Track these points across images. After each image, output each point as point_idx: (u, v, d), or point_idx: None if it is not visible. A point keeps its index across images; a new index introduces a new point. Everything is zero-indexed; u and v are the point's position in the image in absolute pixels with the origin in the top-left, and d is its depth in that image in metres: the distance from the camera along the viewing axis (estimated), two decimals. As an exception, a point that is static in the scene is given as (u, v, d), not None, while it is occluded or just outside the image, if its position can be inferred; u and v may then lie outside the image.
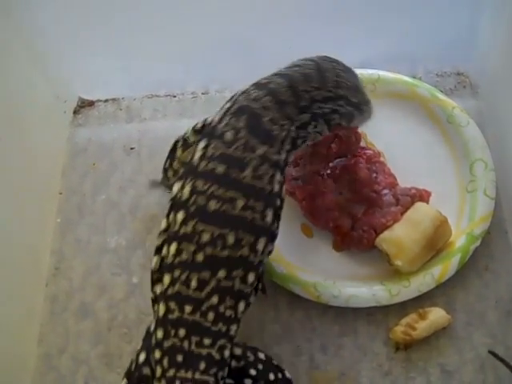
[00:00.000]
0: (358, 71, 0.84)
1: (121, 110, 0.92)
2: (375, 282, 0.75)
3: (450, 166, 0.81)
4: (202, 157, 0.63)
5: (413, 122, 0.84)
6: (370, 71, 0.86)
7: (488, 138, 0.82)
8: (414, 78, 0.89)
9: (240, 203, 0.61)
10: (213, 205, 0.61)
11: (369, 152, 0.80)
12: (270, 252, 0.65)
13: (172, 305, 0.61)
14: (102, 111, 0.93)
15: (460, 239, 0.75)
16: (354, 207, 0.77)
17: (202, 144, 0.64)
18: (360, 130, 0.84)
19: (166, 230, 0.63)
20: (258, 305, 0.76)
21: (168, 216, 0.63)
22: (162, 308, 0.61)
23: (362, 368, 0.73)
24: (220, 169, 0.61)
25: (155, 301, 0.63)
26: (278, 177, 0.63)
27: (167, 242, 0.62)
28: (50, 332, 0.78)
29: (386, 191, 0.78)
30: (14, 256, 0.77)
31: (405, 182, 0.80)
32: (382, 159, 0.81)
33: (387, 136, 0.83)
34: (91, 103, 0.93)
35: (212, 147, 0.63)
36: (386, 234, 0.74)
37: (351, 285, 0.75)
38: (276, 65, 0.91)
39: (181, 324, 0.60)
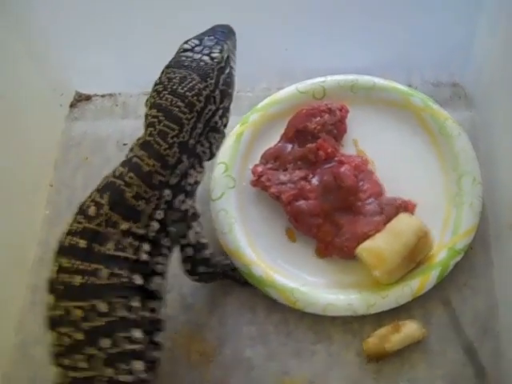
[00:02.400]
0: (353, 77, 0.85)
1: (117, 105, 0.93)
2: (353, 291, 0.74)
3: (438, 178, 0.80)
4: (68, 233, 0.63)
5: (405, 131, 0.84)
6: (366, 78, 0.86)
7: (479, 151, 0.81)
8: (409, 86, 0.88)
9: (105, 273, 0.61)
10: (78, 279, 0.61)
11: (357, 160, 0.80)
12: (154, 309, 0.65)
13: None
14: (98, 106, 0.94)
15: (441, 253, 0.74)
16: (338, 214, 0.77)
17: (70, 221, 0.64)
18: (352, 137, 0.84)
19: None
20: (235, 306, 0.78)
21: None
22: None
23: (332, 377, 0.73)
24: (82, 243, 0.62)
25: None
26: (146, 247, 0.64)
27: (50, 329, 0.62)
28: (28, 321, 0.79)
29: (371, 200, 0.77)
30: (1, 244, 0.78)
31: (392, 191, 0.79)
32: (370, 167, 0.81)
33: (379, 144, 0.83)
34: (88, 97, 0.94)
35: (76, 222, 0.63)
36: (366, 244, 0.74)
37: (329, 292, 0.74)
38: (272, 65, 0.92)
39: None
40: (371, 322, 0.74)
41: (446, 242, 0.75)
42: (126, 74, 0.94)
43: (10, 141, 0.82)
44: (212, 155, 0.70)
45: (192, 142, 0.66)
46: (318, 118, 0.82)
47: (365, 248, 0.73)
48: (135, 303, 0.62)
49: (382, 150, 0.83)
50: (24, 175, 0.84)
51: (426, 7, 0.88)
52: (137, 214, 0.64)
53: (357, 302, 0.73)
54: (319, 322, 0.75)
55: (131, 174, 0.64)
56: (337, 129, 0.82)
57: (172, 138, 0.65)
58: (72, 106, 0.94)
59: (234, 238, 0.78)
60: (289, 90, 0.86)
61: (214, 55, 0.67)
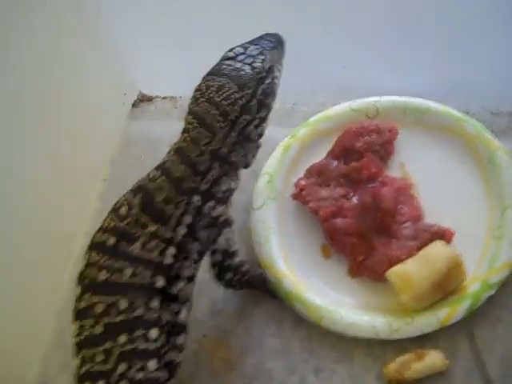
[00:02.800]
0: (407, 99, 0.85)
1: (176, 108, 0.96)
2: (378, 314, 0.74)
3: (482, 209, 0.78)
4: (100, 229, 0.66)
5: (454, 157, 0.82)
6: (420, 100, 0.85)
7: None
8: (467, 113, 0.86)
9: (128, 271, 0.63)
10: (103, 275, 0.63)
11: (400, 183, 0.79)
12: (177, 312, 0.67)
13: None
14: (158, 107, 0.97)
15: (474, 285, 0.72)
16: (373, 236, 0.77)
17: (105, 217, 0.67)
18: (399, 159, 0.83)
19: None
20: (263, 317, 0.78)
21: None
22: None
23: (349, 398, 0.72)
24: (111, 240, 0.64)
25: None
26: (172, 251, 0.66)
27: (74, 320, 0.65)
28: (68, 310, 0.82)
29: (408, 224, 0.76)
30: (51, 231, 0.82)
31: (433, 217, 0.78)
32: (413, 192, 0.80)
33: (425, 169, 0.82)
34: (150, 98, 0.98)
35: (108, 219, 0.66)
36: (397, 268, 0.73)
37: (354, 312, 0.74)
38: (331, 82, 0.92)
39: None
40: (394, 348, 0.73)
41: (481, 275, 0.73)
42: (189, 77, 0.95)
43: (72, 134, 0.86)
44: (247, 164, 0.71)
45: (224, 150, 0.67)
46: (366, 138, 0.82)
47: (394, 271, 0.72)
48: (154, 304, 0.64)
49: (427, 175, 0.81)
50: (82, 168, 0.89)
51: (492, 34, 0.86)
52: (165, 218, 0.65)
53: (380, 325, 0.72)
54: (342, 342, 0.74)
55: (163, 178, 0.66)
56: (384, 150, 0.82)
57: (204, 145, 0.66)
58: (134, 105, 0.98)
59: (269, 249, 0.79)
60: (342, 106, 0.87)
61: (255, 65, 0.68)
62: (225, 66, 0.69)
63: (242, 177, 0.84)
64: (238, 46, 0.71)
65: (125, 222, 0.65)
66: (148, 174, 0.68)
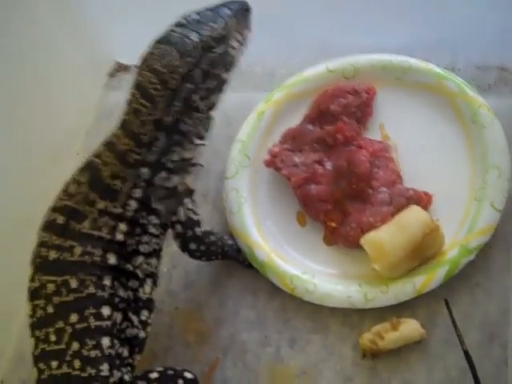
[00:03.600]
0: (387, 57, 0.81)
1: (153, 76, 0.93)
2: (354, 283, 0.71)
3: (464, 170, 0.74)
4: (49, 209, 0.65)
5: (436, 117, 0.77)
6: (400, 58, 0.80)
7: (515, 144, 0.74)
8: (453, 69, 0.82)
9: (78, 250, 0.62)
10: (53, 254, 0.62)
11: (377, 145, 0.76)
12: (136, 288, 0.66)
13: (41, 365, 0.61)
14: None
15: (453, 250, 0.69)
16: (348, 202, 0.73)
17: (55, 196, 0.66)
18: (379, 121, 0.80)
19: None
20: (237, 288, 0.77)
21: None
22: (35, 372, 0.62)
23: (324, 368, 0.70)
24: (60, 219, 0.63)
25: None
26: (123, 227, 0.64)
27: (28, 301, 0.63)
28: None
29: (383, 189, 0.73)
30: (23, 208, 0.80)
31: (413, 180, 0.74)
32: (390, 154, 0.76)
33: (406, 130, 0.78)
34: (127, 68, 0.95)
35: (58, 199, 0.65)
36: (370, 235, 0.70)
37: (329, 282, 0.72)
38: (304, 41, 0.89)
39: (53, 382, 0.60)
40: (372, 316, 0.70)
41: (460, 240, 0.70)
42: None
43: (45, 107, 0.85)
44: (200, 135, 0.68)
45: (168, 119, 0.64)
46: (342, 99, 0.78)
47: (367, 239, 0.69)
48: (106, 282, 0.62)
49: (408, 136, 0.77)
50: (55, 142, 0.86)
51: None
52: (113, 193, 0.64)
53: (355, 294, 0.70)
54: (318, 312, 0.72)
55: (108, 153, 0.65)
56: (361, 111, 0.78)
57: (145, 115, 0.63)
58: (111, 75, 0.95)
59: (242, 218, 0.76)
60: (318, 68, 0.82)
61: (202, 32, 0.64)
62: (172, 33, 0.65)
63: (217, 144, 0.83)
64: (194, 12, 0.67)
65: (73, 201, 0.64)
66: (95, 150, 0.66)
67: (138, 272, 0.66)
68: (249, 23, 0.70)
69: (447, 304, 0.67)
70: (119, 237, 0.64)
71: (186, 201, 0.69)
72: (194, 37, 0.64)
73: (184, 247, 0.70)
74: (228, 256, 0.75)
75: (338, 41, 0.87)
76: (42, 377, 0.61)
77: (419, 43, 0.84)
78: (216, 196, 0.81)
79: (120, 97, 0.90)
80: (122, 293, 0.64)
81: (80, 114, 0.91)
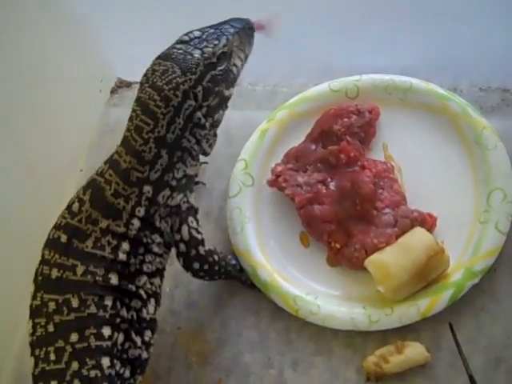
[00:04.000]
0: (389, 77, 0.81)
1: (155, 93, 0.93)
2: (357, 305, 0.71)
3: (468, 192, 0.74)
4: (54, 226, 0.65)
5: (439, 138, 0.78)
6: (403, 78, 0.81)
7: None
8: (455, 90, 0.82)
9: (80, 269, 0.61)
10: (55, 272, 0.62)
11: (380, 166, 0.76)
12: (140, 308, 0.65)
13: None
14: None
15: (457, 273, 0.69)
16: (352, 223, 0.73)
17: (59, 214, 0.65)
18: (382, 141, 0.80)
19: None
20: (239, 308, 0.76)
21: None
22: None
23: (328, 392, 0.70)
24: (63, 238, 0.63)
25: None
26: (125, 246, 0.63)
27: (29, 318, 0.63)
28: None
29: (387, 210, 0.73)
30: (25, 224, 0.79)
31: (417, 201, 0.74)
32: (394, 175, 0.76)
33: (409, 150, 0.79)
34: (129, 84, 0.95)
35: (61, 217, 0.65)
36: (374, 257, 0.69)
37: (332, 303, 0.71)
38: (308, 61, 0.89)
39: None
40: (375, 339, 0.70)
41: (465, 262, 0.70)
42: None
43: (47, 123, 0.84)
44: (204, 152, 0.68)
45: (171, 136, 0.64)
46: (345, 119, 0.78)
47: (372, 260, 0.69)
48: (107, 302, 0.62)
49: (411, 156, 0.78)
50: (58, 158, 0.86)
51: (481, 8, 0.82)
52: (116, 212, 0.63)
53: (359, 316, 0.69)
54: (321, 334, 0.72)
55: (110, 172, 0.64)
56: (364, 132, 0.78)
57: (147, 133, 0.63)
58: (113, 92, 0.95)
59: (245, 237, 0.76)
60: (321, 87, 0.82)
61: (205, 49, 0.64)
62: (175, 50, 0.65)
63: (220, 163, 0.83)
64: (196, 30, 0.67)
65: (76, 219, 0.63)
66: (97, 170, 0.66)
67: (141, 292, 0.65)
68: (251, 41, 0.70)
69: (451, 328, 0.67)
70: (122, 256, 0.63)
71: (190, 219, 0.68)
72: (197, 54, 0.64)
73: (187, 266, 0.69)
74: (231, 276, 0.74)
75: (340, 61, 0.87)
76: None
77: (422, 65, 0.84)
78: (219, 215, 0.81)
79: (122, 113, 0.91)
80: (124, 313, 0.63)
81: (82, 130, 0.90)
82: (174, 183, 0.66)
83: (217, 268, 0.71)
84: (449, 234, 0.72)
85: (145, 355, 0.66)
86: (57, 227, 0.64)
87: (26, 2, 0.80)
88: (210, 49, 0.65)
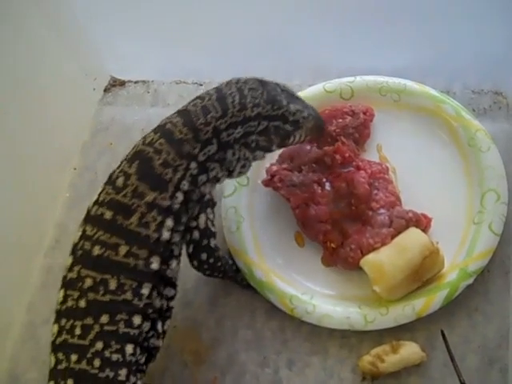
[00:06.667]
0: (383, 79, 0.81)
1: (148, 92, 0.93)
2: (353, 305, 0.71)
3: (462, 193, 0.75)
4: (96, 202, 0.64)
5: (433, 139, 0.79)
6: (397, 80, 0.81)
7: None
8: (448, 92, 0.83)
9: (123, 249, 0.61)
10: (97, 250, 0.61)
11: (375, 167, 0.76)
12: (171, 297, 0.66)
13: (60, 355, 0.60)
14: (131, 92, 0.94)
15: (452, 274, 0.70)
16: (347, 223, 0.74)
17: (100, 190, 0.65)
18: (376, 142, 0.80)
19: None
20: (235, 307, 0.76)
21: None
22: (52, 359, 0.61)
23: (323, 391, 0.70)
24: (108, 214, 0.62)
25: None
26: (169, 223, 0.63)
27: (60, 288, 0.63)
28: (39, 302, 0.80)
29: (382, 211, 0.73)
30: (18, 223, 0.79)
31: (411, 202, 0.75)
32: (389, 176, 0.77)
33: (403, 151, 0.79)
34: (122, 83, 0.95)
35: (104, 193, 0.63)
36: (370, 257, 0.70)
37: (328, 303, 0.72)
38: (302, 62, 0.89)
39: (69, 374, 0.60)
40: (371, 338, 0.71)
41: (459, 263, 0.70)
42: (161, 61, 0.94)
43: (40, 122, 0.84)
44: (232, 172, 0.69)
45: (225, 136, 0.65)
46: (340, 120, 0.78)
47: (367, 261, 0.70)
48: (145, 291, 0.62)
49: (406, 157, 0.78)
50: (50, 157, 0.85)
51: (474, 9, 0.82)
52: (164, 184, 0.63)
53: (355, 316, 0.70)
54: (316, 333, 0.72)
55: (162, 141, 0.64)
56: (359, 133, 0.79)
57: (212, 117, 0.64)
58: (106, 90, 0.94)
59: (240, 237, 0.76)
60: (315, 88, 0.83)
61: (291, 105, 0.68)
62: (270, 83, 0.69)
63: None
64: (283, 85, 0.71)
65: (121, 194, 0.62)
66: (144, 139, 0.65)
67: (174, 279, 0.65)
68: (312, 136, 0.73)
69: (443, 336, 0.68)
70: (165, 235, 0.63)
71: (209, 210, 0.68)
72: (284, 100, 0.68)
73: (195, 255, 0.69)
74: (227, 276, 0.74)
75: (335, 63, 0.87)
76: (59, 367, 0.60)
77: (415, 67, 0.84)
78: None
79: (115, 112, 0.92)
80: (157, 303, 0.63)
81: (76, 128, 0.90)
82: (210, 174, 0.66)
83: (219, 264, 0.71)
84: (443, 234, 0.73)
85: (160, 343, 0.66)
86: (100, 203, 0.63)
87: (19, 1, 0.80)
88: (292, 107, 0.68)
